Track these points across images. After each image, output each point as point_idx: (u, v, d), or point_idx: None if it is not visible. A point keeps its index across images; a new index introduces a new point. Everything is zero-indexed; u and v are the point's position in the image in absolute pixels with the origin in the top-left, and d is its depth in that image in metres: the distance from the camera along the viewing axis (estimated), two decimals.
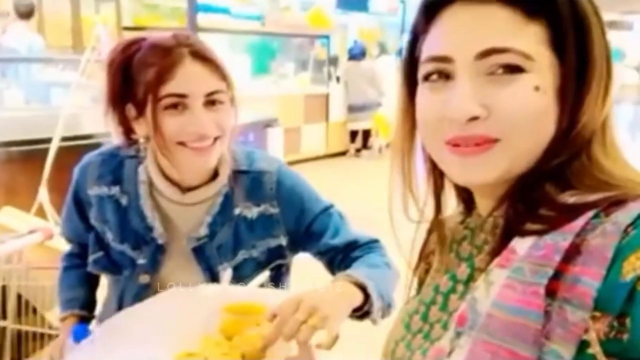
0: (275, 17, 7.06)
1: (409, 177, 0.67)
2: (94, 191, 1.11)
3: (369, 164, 7.24)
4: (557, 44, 0.55)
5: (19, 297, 1.73)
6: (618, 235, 0.47)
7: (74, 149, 2.83)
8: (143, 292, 1.09)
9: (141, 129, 1.03)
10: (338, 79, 7.66)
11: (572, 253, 0.49)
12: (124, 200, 1.10)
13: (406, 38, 0.64)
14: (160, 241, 1.08)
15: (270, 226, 1.10)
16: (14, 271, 1.64)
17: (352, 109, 7.35)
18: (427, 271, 0.72)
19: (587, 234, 0.49)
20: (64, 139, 2.74)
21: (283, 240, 1.11)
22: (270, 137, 4.59)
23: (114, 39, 2.88)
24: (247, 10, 7.01)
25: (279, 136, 4.76)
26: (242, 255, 1.10)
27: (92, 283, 1.23)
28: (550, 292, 0.48)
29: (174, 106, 0.97)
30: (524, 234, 0.53)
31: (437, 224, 0.69)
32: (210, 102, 0.99)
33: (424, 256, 0.73)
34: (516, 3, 0.55)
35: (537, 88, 0.54)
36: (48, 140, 2.67)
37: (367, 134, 7.56)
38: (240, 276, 1.08)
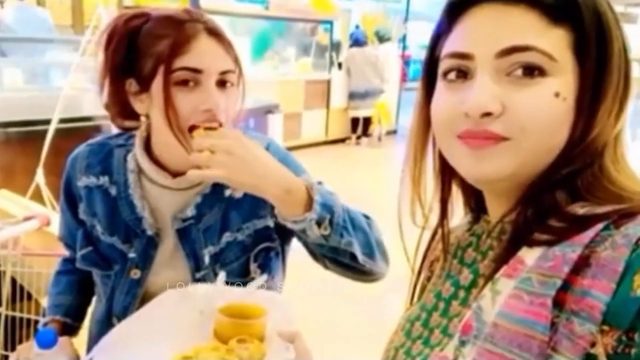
0: (279, 1, 6.98)
1: (418, 181, 0.66)
2: (82, 182, 1.07)
3: (368, 151, 7.23)
4: (579, 49, 0.55)
5: (14, 283, 1.72)
6: (629, 249, 0.47)
7: (73, 130, 2.81)
8: (134, 288, 1.05)
9: (142, 106, 0.97)
10: (340, 65, 7.61)
11: (581, 265, 0.48)
12: (112, 191, 1.05)
13: (429, 38, 0.64)
14: (150, 232, 1.03)
15: (257, 205, 1.03)
16: (9, 257, 1.63)
17: (353, 96, 7.31)
18: (429, 278, 0.71)
19: (596, 246, 0.49)
20: (63, 120, 2.72)
21: (270, 222, 1.04)
22: (271, 123, 4.57)
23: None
24: None
25: (279, 122, 4.74)
26: (226, 238, 1.04)
27: (83, 291, 1.18)
28: (558, 304, 0.48)
29: (185, 82, 0.92)
30: (532, 243, 0.53)
31: (441, 230, 0.68)
32: (222, 82, 0.94)
33: (428, 263, 0.72)
34: (542, 6, 0.55)
35: (557, 94, 0.54)
36: (47, 122, 2.65)
37: (367, 121, 7.53)
38: (224, 261, 1.03)
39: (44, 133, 2.60)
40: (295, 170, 0.94)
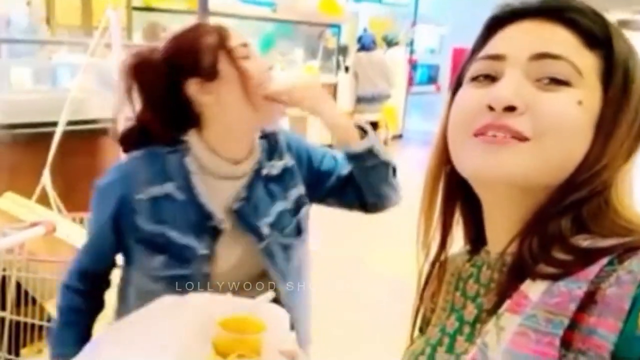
0: (287, 4, 6.98)
1: (430, 204, 0.66)
2: (146, 194, 1.10)
3: None
4: (606, 77, 0.57)
5: (19, 288, 1.71)
6: (634, 286, 0.46)
7: (80, 133, 2.81)
8: (208, 281, 1.14)
9: (209, 97, 1.11)
10: (347, 68, 7.60)
11: (587, 302, 0.48)
12: (179, 195, 1.12)
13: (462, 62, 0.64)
14: (221, 226, 1.14)
15: (291, 177, 1.24)
16: (14, 262, 1.62)
17: (360, 100, 7.30)
18: (432, 310, 0.70)
19: (601, 281, 0.48)
20: (70, 122, 2.72)
21: (302, 189, 1.25)
22: (278, 126, 4.57)
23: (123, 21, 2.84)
24: None
25: (285, 125, 4.73)
26: (278, 207, 1.21)
27: (91, 324, 1.21)
28: (565, 342, 0.47)
29: (244, 57, 1.12)
30: (536, 276, 0.52)
31: (439, 259, 0.68)
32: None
33: (429, 294, 0.71)
34: (578, 29, 0.57)
35: (580, 102, 0.55)
36: (54, 124, 2.65)
37: (374, 125, 7.52)
38: (280, 227, 1.20)
39: (51, 135, 2.60)
40: (310, 147, 1.30)
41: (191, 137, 1.14)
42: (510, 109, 0.54)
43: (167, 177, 1.12)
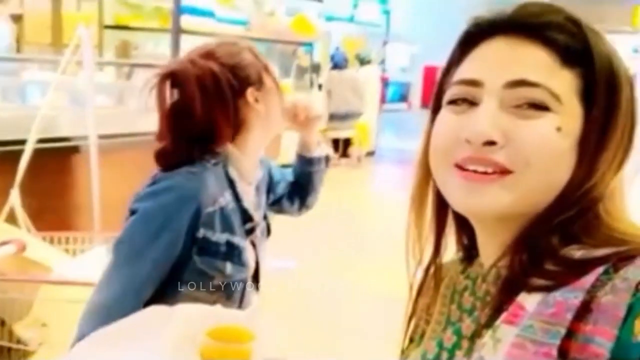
0: (260, 22, 7.02)
1: (420, 216, 0.66)
2: (214, 206, 1.15)
3: (348, 172, 7.25)
4: (587, 96, 0.56)
5: None
6: (629, 293, 0.47)
7: (50, 151, 2.76)
8: (249, 282, 1.25)
9: (259, 104, 1.23)
10: (320, 86, 7.66)
11: (583, 311, 0.48)
12: (232, 203, 1.20)
13: (439, 72, 0.64)
14: (257, 227, 1.27)
15: (263, 185, 1.37)
16: None
17: (333, 117, 7.35)
18: (427, 322, 0.69)
19: (597, 290, 0.48)
20: (41, 140, 2.67)
21: (265, 195, 1.39)
22: None
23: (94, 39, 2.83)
24: (232, 14, 6.96)
25: None
26: (261, 213, 1.33)
27: None
28: (562, 352, 0.47)
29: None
30: (530, 289, 0.52)
31: (434, 267, 0.67)
32: None
33: (424, 307, 0.70)
34: (556, 47, 0.55)
35: (559, 129, 0.54)
36: (23, 142, 2.60)
37: (347, 142, 7.57)
38: (263, 232, 1.33)
39: (20, 153, 2.55)
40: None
41: (226, 148, 1.21)
42: (490, 143, 0.54)
43: (223, 187, 1.19)
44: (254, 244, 1.27)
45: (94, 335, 0.95)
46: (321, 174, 1.51)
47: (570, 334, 0.47)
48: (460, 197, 0.57)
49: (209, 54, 1.20)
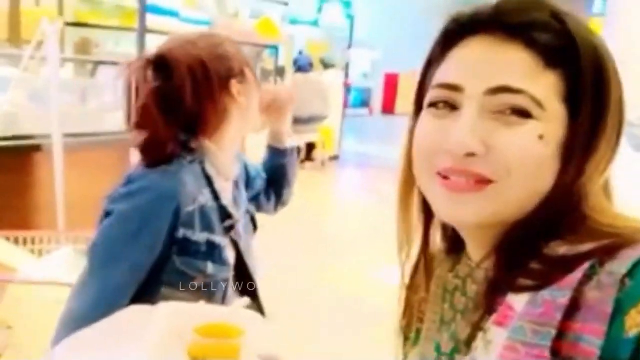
0: (224, 24, 6.96)
1: (407, 214, 0.65)
2: (195, 205, 1.12)
3: (312, 175, 7.25)
4: (572, 99, 0.54)
5: None
6: (615, 288, 0.46)
7: (11, 149, 2.67)
8: (229, 283, 1.22)
9: (244, 97, 1.22)
10: None
11: (571, 309, 0.48)
12: (211, 201, 1.17)
13: (420, 67, 0.62)
14: (237, 224, 1.24)
15: (242, 181, 1.35)
16: None
17: (297, 120, 7.34)
18: (420, 320, 0.69)
19: (583, 286, 0.48)
20: (1, 138, 2.59)
21: (245, 191, 1.37)
22: None
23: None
24: (196, 15, 6.88)
25: None
26: (242, 209, 1.31)
27: None
28: (553, 352, 0.47)
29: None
30: (517, 289, 0.52)
31: (424, 263, 0.67)
32: None
33: (417, 305, 0.70)
34: (539, 47, 0.53)
35: (541, 137, 0.53)
36: None
37: (311, 146, 7.57)
38: (246, 228, 1.31)
39: None
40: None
41: (202, 144, 1.18)
42: (471, 154, 0.53)
43: (202, 185, 1.16)
44: (235, 242, 1.24)
45: (74, 338, 0.92)
46: (294, 166, 1.51)
47: (560, 333, 0.47)
48: (443, 208, 0.57)
49: (193, 43, 1.17)
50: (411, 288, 0.70)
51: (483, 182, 0.53)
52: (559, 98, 0.54)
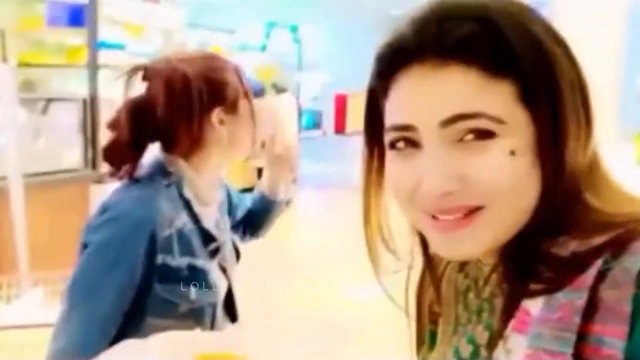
0: (177, 52, 6.92)
1: (381, 229, 0.63)
2: (172, 229, 1.10)
3: None
4: (528, 99, 0.51)
5: None
6: (631, 285, 0.46)
7: None
8: (216, 307, 1.18)
9: (224, 129, 1.16)
10: None
11: (589, 310, 0.47)
12: (190, 225, 1.14)
13: (365, 103, 0.60)
14: (223, 246, 1.21)
15: (224, 208, 1.33)
16: None
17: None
18: (434, 322, 0.68)
19: (598, 285, 0.47)
20: None
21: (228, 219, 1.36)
22: None
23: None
24: (142, 47, 6.82)
25: None
26: (227, 235, 1.29)
27: None
28: (576, 356, 0.46)
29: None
30: (531, 295, 0.51)
31: (429, 270, 0.65)
32: None
33: (426, 309, 0.69)
34: (478, 62, 0.50)
35: (512, 152, 0.50)
36: None
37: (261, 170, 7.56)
38: (230, 255, 1.28)
39: None
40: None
41: (183, 168, 1.15)
42: (448, 193, 0.51)
43: (179, 209, 1.13)
44: (224, 269, 1.22)
45: None
46: (279, 215, 1.50)
47: (580, 336, 0.46)
48: (440, 248, 0.55)
49: (190, 60, 1.16)
50: (420, 291, 0.69)
51: (472, 212, 0.52)
52: (517, 102, 0.51)
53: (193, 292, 1.11)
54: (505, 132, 0.50)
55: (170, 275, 1.09)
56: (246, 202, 1.48)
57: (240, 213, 1.46)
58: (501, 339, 0.52)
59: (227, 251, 1.26)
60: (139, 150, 1.15)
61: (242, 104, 1.19)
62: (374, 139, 0.59)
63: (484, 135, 0.50)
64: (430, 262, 0.65)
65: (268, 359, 0.84)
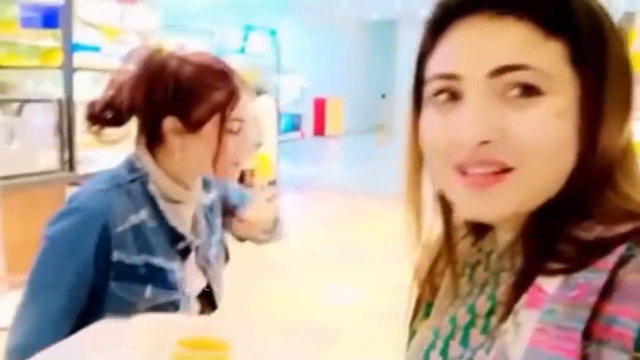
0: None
1: (417, 205, 0.62)
2: (126, 225, 1.08)
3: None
4: (577, 61, 0.51)
5: None
6: None
7: None
8: (187, 305, 1.14)
9: (179, 141, 1.10)
10: None
11: (606, 290, 0.46)
12: (151, 222, 1.11)
13: (414, 59, 0.60)
14: (192, 246, 1.16)
15: (217, 208, 1.31)
16: None
17: None
18: (432, 294, 0.67)
19: (619, 268, 0.46)
20: None
21: (220, 219, 1.33)
22: None
23: None
24: (118, 49, 6.74)
25: None
26: (215, 238, 1.26)
27: None
28: (586, 334, 0.45)
29: (235, 130, 1.10)
30: (549, 273, 0.50)
31: (447, 249, 0.64)
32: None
33: (431, 277, 0.68)
34: (534, 18, 0.50)
35: (557, 114, 0.50)
36: None
37: (251, 172, 7.54)
38: (218, 257, 1.26)
39: None
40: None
41: (148, 164, 1.14)
42: (484, 142, 0.50)
43: (139, 205, 1.11)
44: (204, 270, 1.21)
45: (45, 353, 0.88)
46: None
47: (593, 315, 0.46)
48: (465, 206, 0.55)
49: (192, 63, 1.11)
50: (431, 273, 0.67)
51: (503, 171, 0.51)
52: (566, 63, 0.51)
53: (148, 290, 1.09)
54: (552, 90, 0.50)
55: (127, 273, 1.07)
56: (247, 200, 1.44)
57: (240, 211, 1.41)
58: (509, 312, 0.51)
59: (212, 252, 1.24)
60: (111, 114, 1.14)
61: (209, 129, 1.10)
62: (419, 98, 0.59)
63: (529, 91, 0.50)
64: (449, 232, 0.64)
65: (249, 344, 0.84)
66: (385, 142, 14.97)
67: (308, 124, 16.54)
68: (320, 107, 16.75)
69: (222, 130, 1.09)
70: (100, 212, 1.06)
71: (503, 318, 0.53)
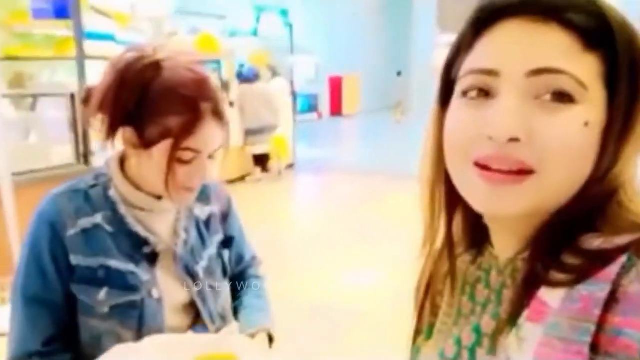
0: (161, 43, 6.85)
1: (438, 207, 0.62)
2: (77, 228, 1.06)
3: (269, 187, 7.21)
4: (610, 81, 0.52)
5: None
6: None
7: None
8: (161, 308, 1.11)
9: (132, 151, 1.06)
10: (232, 103, 7.58)
11: (609, 301, 0.46)
12: (107, 226, 1.09)
13: (445, 55, 0.60)
14: (158, 248, 1.13)
15: (215, 223, 1.26)
16: None
17: (249, 132, 7.29)
18: (434, 313, 0.67)
19: (621, 279, 0.47)
20: None
21: (221, 236, 1.28)
22: None
23: None
24: (132, 37, 6.75)
25: None
26: (209, 251, 1.22)
27: None
28: (592, 347, 0.45)
29: (186, 160, 1.04)
30: (551, 284, 0.50)
31: (449, 259, 0.64)
32: (211, 156, 1.08)
33: (431, 296, 0.67)
34: (575, 29, 0.51)
35: (587, 124, 0.51)
36: None
37: (265, 157, 7.53)
38: (212, 271, 1.21)
39: None
40: (234, 203, 1.34)
41: (113, 170, 1.13)
42: (514, 140, 0.51)
43: (94, 209, 1.09)
44: (187, 282, 1.17)
45: None
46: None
47: (598, 327, 0.46)
48: (480, 199, 0.55)
49: (162, 71, 1.04)
50: (430, 282, 0.67)
51: (524, 172, 0.51)
52: (600, 80, 0.52)
53: (102, 293, 1.07)
54: (584, 100, 0.51)
55: (84, 276, 1.07)
56: (242, 249, 1.38)
57: (229, 252, 1.34)
58: (513, 327, 0.51)
59: (201, 265, 1.20)
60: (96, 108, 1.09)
61: (159, 152, 1.03)
62: (447, 96, 0.59)
63: (562, 98, 0.51)
64: (451, 243, 0.64)
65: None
66: (403, 119, 14.87)
67: (325, 104, 16.46)
68: (336, 85, 16.65)
69: (172, 157, 1.03)
70: (47, 215, 1.07)
71: (502, 331, 0.54)
